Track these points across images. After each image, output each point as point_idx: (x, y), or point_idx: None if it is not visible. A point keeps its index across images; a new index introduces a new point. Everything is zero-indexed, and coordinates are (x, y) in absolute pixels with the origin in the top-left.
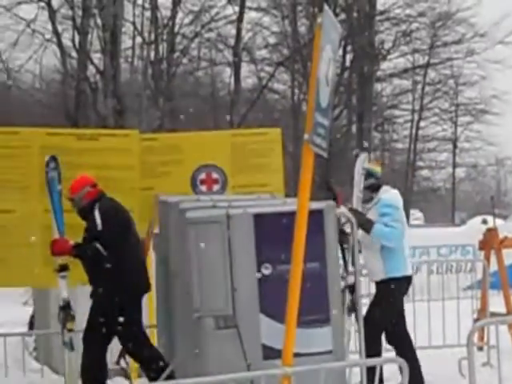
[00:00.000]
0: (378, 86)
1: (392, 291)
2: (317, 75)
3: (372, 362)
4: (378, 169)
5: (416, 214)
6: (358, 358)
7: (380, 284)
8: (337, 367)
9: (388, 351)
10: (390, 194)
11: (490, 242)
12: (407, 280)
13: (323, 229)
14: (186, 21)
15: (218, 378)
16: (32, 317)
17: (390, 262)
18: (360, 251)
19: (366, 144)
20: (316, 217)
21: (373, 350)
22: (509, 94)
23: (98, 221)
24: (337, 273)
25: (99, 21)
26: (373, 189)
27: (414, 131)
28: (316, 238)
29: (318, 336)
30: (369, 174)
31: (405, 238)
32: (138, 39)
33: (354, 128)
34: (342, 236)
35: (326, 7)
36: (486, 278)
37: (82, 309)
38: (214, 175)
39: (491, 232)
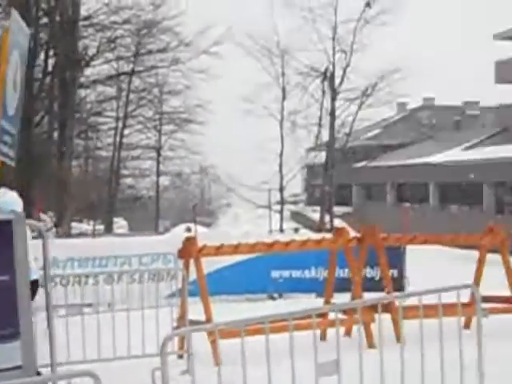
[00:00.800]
0: (81, 93)
1: None
2: (4, 81)
3: (65, 375)
4: None
5: (120, 222)
6: (50, 372)
7: None
8: None
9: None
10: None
11: (188, 251)
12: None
13: (12, 240)
14: None
15: None
16: None
17: None
18: None
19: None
20: (4, 228)
21: None
22: (213, 104)
23: None
24: (27, 285)
25: None
26: None
27: (118, 139)
28: (4, 249)
29: (6, 351)
30: None
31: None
32: None
33: (55, 135)
34: None
35: (13, 10)
36: (185, 286)
37: None
38: None
39: (190, 240)
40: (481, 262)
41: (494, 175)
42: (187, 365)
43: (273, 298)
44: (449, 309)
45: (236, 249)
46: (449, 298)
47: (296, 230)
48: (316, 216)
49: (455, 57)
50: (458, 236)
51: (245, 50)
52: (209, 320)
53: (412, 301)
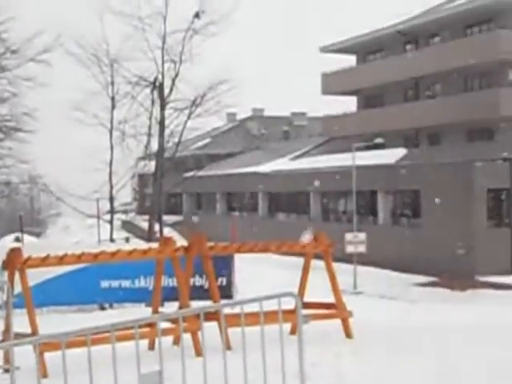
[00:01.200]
0: None
1: None
2: None
3: None
4: None
5: None
6: None
7: None
8: None
9: None
10: None
11: (13, 262)
12: None
13: None
14: None
15: None
16: None
17: None
18: None
19: None
20: None
21: None
22: (42, 112)
23: None
24: None
25: None
26: None
27: None
28: None
29: None
30: None
31: None
32: None
33: None
34: None
35: None
36: (10, 298)
37: None
38: None
39: (15, 251)
40: (305, 270)
41: (321, 184)
42: (11, 380)
43: (103, 309)
44: (273, 316)
45: (62, 259)
46: (275, 305)
47: (127, 240)
48: (147, 225)
49: (284, 68)
50: (283, 244)
51: (74, 58)
52: (34, 333)
53: (239, 309)
